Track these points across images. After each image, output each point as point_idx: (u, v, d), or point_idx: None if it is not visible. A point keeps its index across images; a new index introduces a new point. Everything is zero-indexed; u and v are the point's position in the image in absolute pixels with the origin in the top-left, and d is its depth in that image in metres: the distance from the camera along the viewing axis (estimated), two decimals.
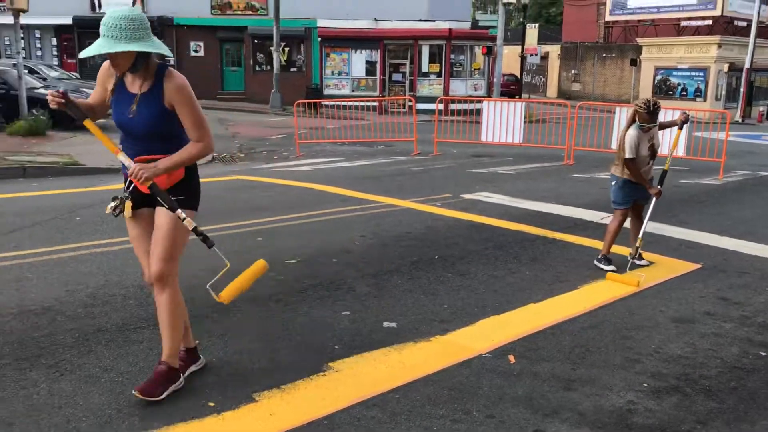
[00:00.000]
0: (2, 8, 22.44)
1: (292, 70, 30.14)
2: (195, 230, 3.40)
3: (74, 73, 26.39)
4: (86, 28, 30.05)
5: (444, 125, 16.24)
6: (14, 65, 16.90)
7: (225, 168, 12.91)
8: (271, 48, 26.88)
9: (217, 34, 30.29)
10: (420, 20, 28.91)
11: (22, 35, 17.59)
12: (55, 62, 29.92)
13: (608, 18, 42.07)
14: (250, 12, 30.06)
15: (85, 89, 20.22)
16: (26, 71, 17.30)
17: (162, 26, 30.10)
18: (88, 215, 7.53)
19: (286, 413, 3.35)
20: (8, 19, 21.99)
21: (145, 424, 3.18)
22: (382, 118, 20.42)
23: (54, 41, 31.61)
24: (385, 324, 4.54)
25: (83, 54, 3.17)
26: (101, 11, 29.73)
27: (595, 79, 42.41)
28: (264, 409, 3.38)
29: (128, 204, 3.41)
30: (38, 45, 31.61)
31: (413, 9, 28.98)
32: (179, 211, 3.32)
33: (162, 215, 3.40)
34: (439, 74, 29.12)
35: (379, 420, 3.32)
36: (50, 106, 3.29)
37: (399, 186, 10.17)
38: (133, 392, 3.36)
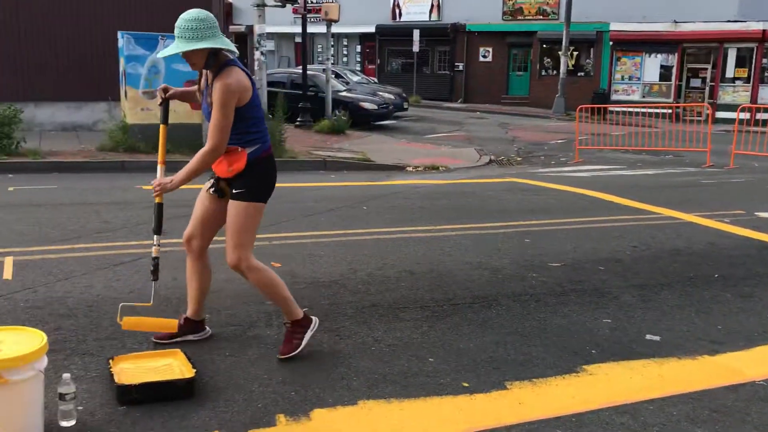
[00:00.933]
0: (317, 19, 25.28)
1: (579, 74, 29.56)
2: (154, 259, 3.77)
3: (373, 78, 28.78)
4: (387, 36, 32.61)
5: (746, 136, 14.79)
6: (323, 70, 19.00)
7: (501, 170, 13.21)
8: (559, 52, 26.68)
9: (507, 39, 30.82)
10: (728, 21, 26.47)
11: (332, 43, 19.67)
12: (358, 68, 32.86)
13: None
14: (541, 17, 30.08)
15: (381, 93, 22.01)
16: (333, 75, 19.31)
17: (455, 32, 31.49)
18: (373, 205, 8.30)
19: (535, 404, 3.45)
20: (321, 29, 24.71)
21: (407, 392, 3.49)
22: (673, 126, 19.18)
23: (358, 48, 34.75)
24: (648, 336, 4.39)
25: (161, 55, 3.54)
26: (401, 20, 31.99)
27: None
28: (514, 397, 3.52)
29: (225, 188, 3.72)
30: (344, 52, 35.00)
31: (720, 9, 26.60)
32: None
33: (231, 207, 3.64)
34: (746, 80, 26.41)
35: (629, 427, 3.27)
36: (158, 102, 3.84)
37: (683, 198, 9.56)
38: (277, 357, 3.75)
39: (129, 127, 11.77)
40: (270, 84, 20.21)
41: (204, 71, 3.57)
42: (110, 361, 3.51)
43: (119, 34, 11.87)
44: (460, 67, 32.05)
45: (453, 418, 3.28)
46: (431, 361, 3.88)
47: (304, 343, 3.81)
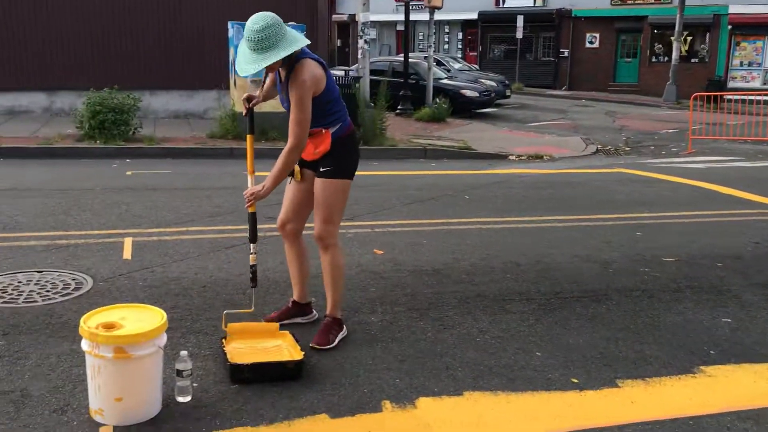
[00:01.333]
0: (420, 6, 25.15)
1: (692, 60, 28.13)
2: (251, 266, 3.80)
3: (474, 66, 28.42)
4: (489, 23, 32.13)
5: None
6: (425, 58, 18.93)
7: (608, 160, 12.76)
8: (672, 38, 25.42)
9: (615, 24, 29.70)
10: None
11: (434, 30, 19.54)
12: (459, 55, 32.56)
13: None
14: (653, 0, 28.78)
15: (482, 80, 21.72)
16: (434, 63, 19.20)
17: (560, 18, 30.64)
18: (475, 195, 8.20)
19: (649, 404, 3.30)
20: (423, 16, 24.60)
21: (513, 385, 3.43)
22: None
23: (459, 35, 34.41)
24: None
25: (243, 74, 3.46)
26: (504, 6, 31.41)
27: None
28: (626, 395, 3.38)
29: (297, 169, 3.73)
30: (446, 39, 34.73)
31: None
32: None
33: (318, 184, 3.69)
34: None
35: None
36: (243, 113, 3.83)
37: None
38: (310, 346, 3.69)
39: (238, 115, 12.12)
40: (371, 72, 20.33)
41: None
42: (223, 340, 3.63)
43: (229, 24, 12.23)
44: (565, 53, 31.16)
45: (562, 413, 3.19)
46: (538, 354, 3.79)
47: (336, 341, 3.82)
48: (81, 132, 11.13)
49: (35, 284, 4.52)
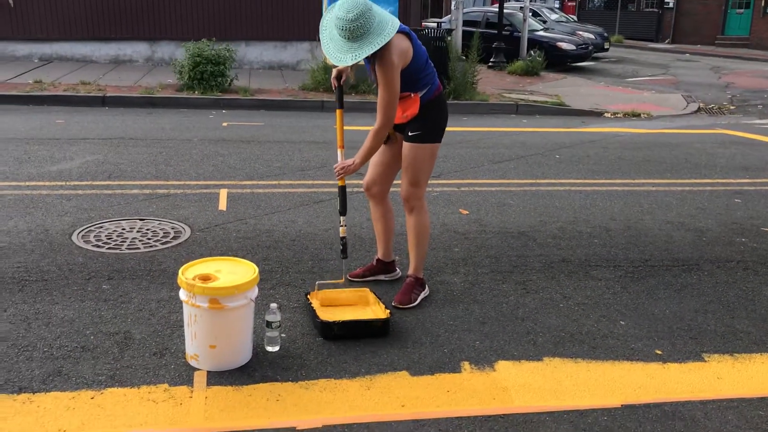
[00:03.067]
0: None
1: None
2: (342, 239, 3.87)
3: (572, 16, 27.40)
4: None
5: None
6: (521, 8, 18.40)
7: (710, 120, 12.15)
8: None
9: None
10: None
11: None
12: (557, 5, 31.40)
13: None
14: None
15: (580, 32, 20.95)
16: (530, 14, 18.64)
17: None
18: (567, 154, 8.02)
19: (736, 381, 3.23)
20: None
21: (594, 353, 3.42)
22: None
23: None
24: None
25: (339, 63, 3.39)
26: None
27: None
28: (712, 370, 3.31)
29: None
30: None
31: None
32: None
33: (407, 147, 3.72)
34: None
35: None
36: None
37: None
38: (393, 304, 3.77)
39: (329, 67, 12.23)
40: (465, 23, 20.02)
41: None
42: (307, 296, 3.76)
43: None
44: (670, 3, 29.53)
45: (643, 384, 3.16)
46: (622, 324, 3.75)
47: (418, 300, 3.87)
48: (181, 82, 11.52)
49: (137, 231, 4.80)
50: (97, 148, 7.24)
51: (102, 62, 14.28)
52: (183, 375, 3.07)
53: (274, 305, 3.30)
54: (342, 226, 3.89)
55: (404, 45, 3.52)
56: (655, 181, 6.85)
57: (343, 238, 3.90)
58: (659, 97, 14.61)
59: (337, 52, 3.41)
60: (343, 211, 3.88)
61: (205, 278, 3.08)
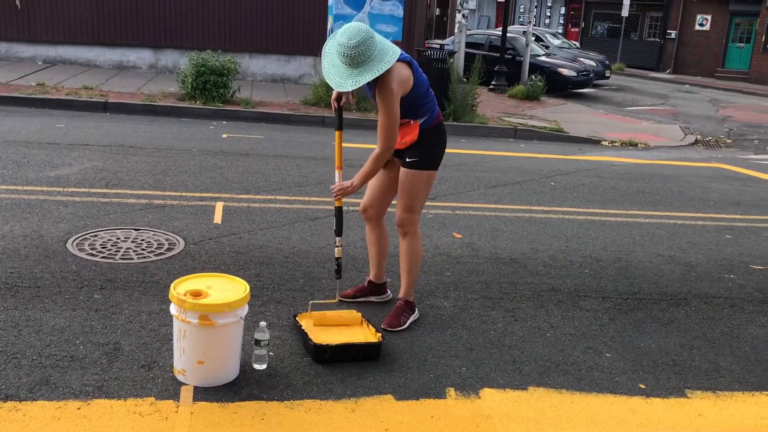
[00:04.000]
0: None
1: None
2: (337, 259, 3.96)
3: (575, 42, 27.62)
4: None
5: None
6: (524, 33, 18.55)
7: (707, 153, 12.26)
8: None
9: (729, 6, 28.14)
10: None
11: (536, 4, 19.07)
12: (560, 30, 31.68)
13: None
14: None
15: (582, 59, 21.13)
16: (533, 38, 18.79)
17: None
18: (562, 182, 8.09)
19: (717, 418, 3.26)
20: None
21: (579, 385, 3.45)
22: None
23: (562, 10, 33.44)
24: None
25: (339, 89, 3.48)
26: None
27: None
28: (694, 407, 3.35)
29: None
30: (547, 13, 33.83)
31: None
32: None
33: (403, 173, 3.78)
34: None
35: None
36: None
37: None
38: (382, 327, 3.80)
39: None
40: (468, 45, 20.19)
41: None
42: (296, 317, 3.78)
43: None
44: (672, 34, 29.82)
45: (625, 418, 3.20)
46: (608, 356, 3.79)
47: (407, 324, 3.91)
48: (183, 91, 11.59)
49: (132, 242, 4.83)
50: (96, 154, 7.28)
51: (106, 67, 14.36)
52: (170, 389, 3.09)
53: (263, 323, 3.33)
54: (337, 246, 3.93)
55: (405, 73, 3.58)
56: (648, 213, 6.91)
57: (338, 259, 3.94)
58: (657, 128, 14.73)
59: (338, 77, 3.47)
60: (338, 232, 3.92)
61: (196, 294, 3.11)
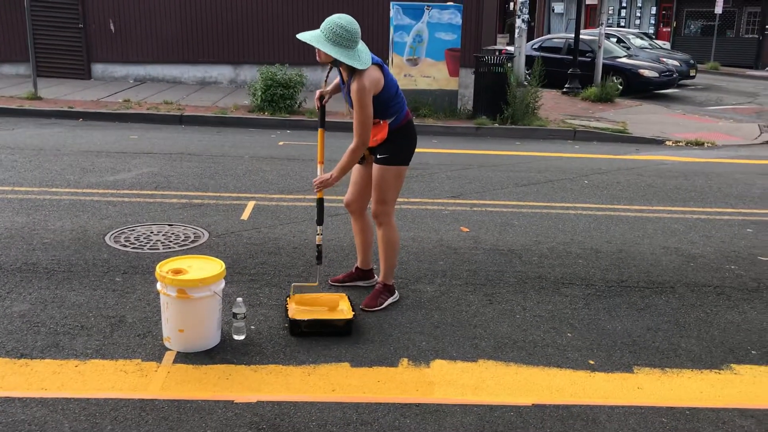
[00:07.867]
0: None
1: None
2: (318, 246, 4.31)
3: (662, 42, 26.86)
4: None
5: None
6: (599, 35, 18.33)
7: None
8: None
9: None
10: None
11: (623, 4, 18.80)
12: (651, 30, 30.83)
13: None
14: None
15: (665, 59, 20.62)
16: (615, 40, 18.52)
17: None
18: (596, 180, 8.17)
19: (654, 391, 3.43)
20: None
21: (529, 359, 3.70)
22: None
23: (653, 10, 32.54)
24: None
25: (300, 36, 3.82)
26: None
27: None
28: (635, 381, 3.52)
29: (366, 153, 4.19)
30: (638, 14, 33.00)
31: None
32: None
33: (375, 169, 4.17)
34: None
35: (748, 430, 3.14)
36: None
37: None
38: (360, 307, 4.19)
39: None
40: (545, 49, 20.24)
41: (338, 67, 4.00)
42: (288, 298, 4.22)
43: (391, 5, 12.83)
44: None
45: (562, 388, 3.43)
46: (569, 335, 4.01)
47: (384, 305, 4.28)
48: (253, 104, 12.37)
49: (163, 235, 5.45)
50: (155, 161, 8.05)
51: (190, 83, 15.45)
52: (156, 353, 3.61)
53: (239, 299, 3.80)
54: (318, 234, 4.36)
55: (376, 75, 3.98)
56: (673, 208, 6.93)
57: (318, 246, 4.37)
58: (732, 126, 14.26)
59: (309, 33, 3.86)
60: (320, 222, 4.34)
61: (177, 272, 3.62)
